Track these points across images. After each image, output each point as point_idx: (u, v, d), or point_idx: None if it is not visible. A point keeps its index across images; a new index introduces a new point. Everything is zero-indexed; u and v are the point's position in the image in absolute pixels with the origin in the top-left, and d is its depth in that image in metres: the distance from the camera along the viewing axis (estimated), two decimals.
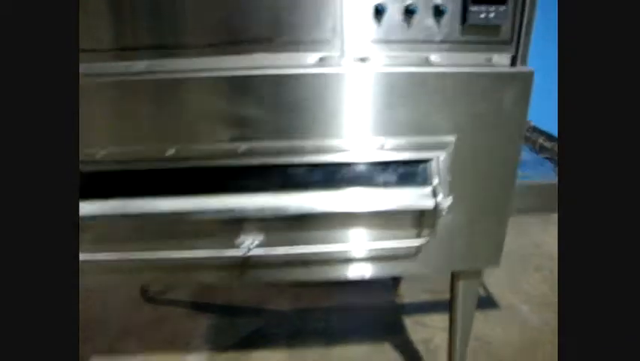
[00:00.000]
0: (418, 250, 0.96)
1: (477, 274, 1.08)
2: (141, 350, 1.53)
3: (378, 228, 0.94)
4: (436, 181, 0.89)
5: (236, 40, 0.82)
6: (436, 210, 0.88)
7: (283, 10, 0.80)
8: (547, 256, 2.00)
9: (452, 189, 0.90)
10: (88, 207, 0.88)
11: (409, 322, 1.64)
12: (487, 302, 1.70)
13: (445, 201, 0.88)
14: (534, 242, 2.12)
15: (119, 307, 1.75)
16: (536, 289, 1.79)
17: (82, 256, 0.90)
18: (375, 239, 0.94)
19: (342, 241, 0.94)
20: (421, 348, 1.51)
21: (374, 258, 0.97)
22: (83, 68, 0.81)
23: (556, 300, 1.64)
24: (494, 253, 1.00)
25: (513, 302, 1.71)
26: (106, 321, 1.68)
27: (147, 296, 1.80)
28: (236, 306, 1.75)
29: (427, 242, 0.94)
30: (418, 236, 0.94)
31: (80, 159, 0.83)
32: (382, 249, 0.94)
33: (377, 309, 1.72)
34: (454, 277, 1.09)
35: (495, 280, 1.81)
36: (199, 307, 1.75)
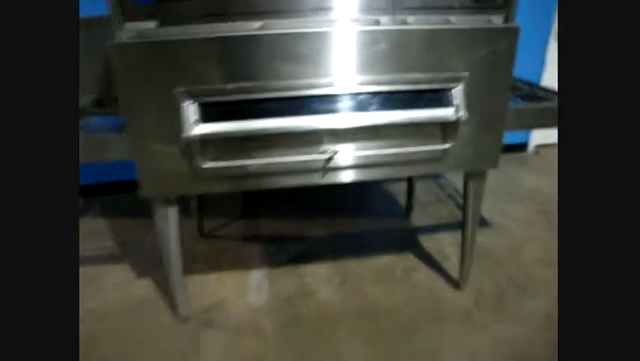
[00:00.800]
0: (444, 152, 1.38)
1: (482, 174, 1.51)
2: (212, 270, 1.90)
3: (419, 137, 1.35)
4: (456, 102, 1.31)
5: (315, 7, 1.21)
6: (457, 122, 1.31)
7: None
8: (527, 190, 2.48)
9: (466, 109, 1.32)
10: (208, 128, 1.24)
11: (422, 239, 2.07)
12: (481, 223, 2.15)
13: (463, 115, 1.30)
14: (514, 179, 2.60)
15: (187, 240, 2.10)
16: (520, 214, 2.25)
17: (205, 165, 1.27)
18: (418, 145, 1.35)
19: (395, 147, 1.35)
20: (435, 255, 1.95)
21: (415, 160, 1.38)
22: (191, 28, 1.16)
23: (536, 220, 2.11)
24: (494, 157, 1.44)
25: (503, 222, 2.17)
26: (193, 248, 2.03)
27: (202, 233, 2.16)
28: (280, 236, 2.15)
29: (451, 147, 1.35)
30: (444, 143, 1.36)
31: (200, 92, 1.18)
32: (422, 152, 1.36)
33: (395, 231, 2.15)
34: (467, 177, 1.52)
35: (487, 208, 2.26)
36: (249, 239, 2.14)
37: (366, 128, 1.30)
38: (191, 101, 1.22)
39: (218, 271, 1.89)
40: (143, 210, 2.40)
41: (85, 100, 1.73)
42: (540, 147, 3.07)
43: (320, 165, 1.34)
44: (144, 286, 1.81)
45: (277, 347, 1.49)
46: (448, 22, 1.27)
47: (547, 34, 2.77)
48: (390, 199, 2.47)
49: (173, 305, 1.67)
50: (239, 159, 1.30)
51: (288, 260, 1.95)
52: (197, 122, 1.23)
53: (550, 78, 2.77)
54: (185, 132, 1.21)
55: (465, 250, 1.65)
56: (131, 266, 1.93)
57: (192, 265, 1.92)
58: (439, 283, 1.78)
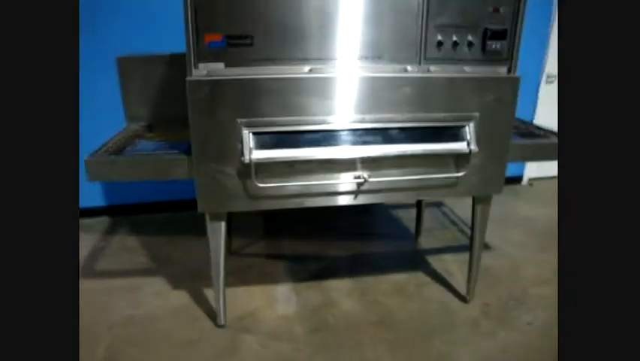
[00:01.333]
0: (457, 180, 1.62)
1: (489, 199, 1.76)
2: (242, 284, 2.08)
3: (436, 166, 1.60)
4: (469, 137, 1.56)
5: (370, 55, 1.47)
6: (469, 154, 1.56)
7: (392, 41, 1.47)
8: (522, 218, 2.74)
9: (476, 143, 1.57)
10: (263, 154, 1.47)
11: (430, 259, 2.29)
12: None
13: (474, 148, 1.55)
14: (510, 209, 2.86)
15: None
16: (517, 238, 2.50)
17: (259, 184, 1.49)
18: (435, 173, 1.60)
19: (416, 175, 1.59)
20: (442, 273, 2.16)
21: (433, 186, 1.63)
22: (252, 70, 1.41)
23: (531, 244, 2.35)
24: (499, 184, 1.69)
25: (501, 245, 2.41)
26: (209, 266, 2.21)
27: (230, 251, 2.35)
28: (301, 255, 2.34)
29: (463, 175, 1.60)
30: (458, 171, 1.61)
31: (257, 123, 1.42)
32: (439, 178, 1.60)
33: (406, 252, 2.37)
34: (475, 201, 1.76)
35: (487, 233, 2.47)
36: (272, 257, 2.33)
37: (393, 157, 1.55)
38: (250, 131, 1.45)
39: (247, 284, 2.08)
40: (168, 230, 2.60)
41: (135, 126, 1.96)
42: (533, 180, 3.36)
43: (353, 187, 1.58)
44: (181, 296, 1.98)
45: (309, 350, 1.67)
46: (462, 71, 1.54)
47: (539, 78, 3.11)
48: (399, 225, 2.70)
49: (209, 312, 1.85)
50: (285, 180, 1.53)
51: (310, 276, 2.15)
52: (254, 148, 1.46)
53: (541, 117, 3.10)
54: (244, 157, 1.44)
55: (472, 266, 1.87)
56: (165, 278, 2.11)
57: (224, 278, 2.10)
58: (448, 296, 1.99)
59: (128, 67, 1.93)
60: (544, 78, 3.10)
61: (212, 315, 1.84)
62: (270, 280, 2.11)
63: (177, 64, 1.92)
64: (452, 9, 1.47)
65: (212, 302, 1.91)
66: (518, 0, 1.49)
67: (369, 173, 1.56)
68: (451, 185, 1.64)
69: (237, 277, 2.13)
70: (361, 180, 1.55)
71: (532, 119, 3.12)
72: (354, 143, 1.53)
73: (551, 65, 3.08)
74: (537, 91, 3.14)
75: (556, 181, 3.37)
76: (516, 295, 2.01)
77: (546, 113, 3.12)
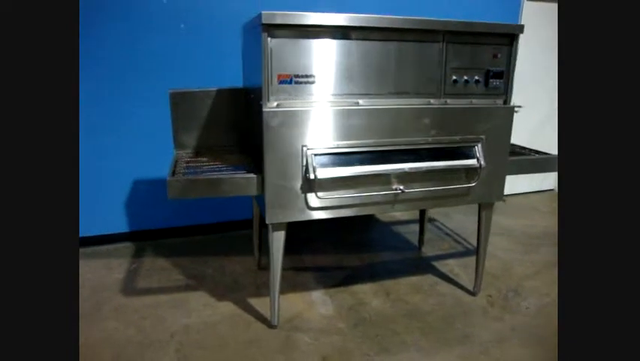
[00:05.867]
0: (468, 190, 2.02)
1: (491, 205, 2.16)
2: (280, 292, 2.31)
3: (452, 179, 1.98)
4: (478, 154, 1.97)
5: (399, 92, 1.85)
6: (479, 168, 1.96)
7: (420, 81, 1.86)
8: (503, 228, 3.19)
9: (484, 159, 1.98)
10: (325, 172, 1.78)
11: (436, 264, 2.65)
12: (473, 252, 2.78)
13: (483, 164, 1.96)
14: (495, 221, 3.30)
15: (247, 272, 2.51)
16: (503, 245, 2.93)
17: (320, 195, 1.79)
18: (451, 185, 1.98)
19: (436, 186, 1.96)
20: (449, 274, 2.52)
21: (449, 195, 2.00)
22: (326, 99, 1.75)
23: (515, 248, 2.78)
24: (500, 193, 2.10)
25: (491, 250, 2.81)
26: (255, 278, 2.44)
27: (260, 267, 2.58)
28: (324, 266, 2.62)
29: (474, 186, 2.00)
30: (469, 183, 2.00)
31: (318, 146, 1.75)
32: (455, 189, 1.99)
33: (414, 259, 2.72)
34: (480, 208, 2.15)
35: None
36: (298, 269, 2.59)
37: (421, 172, 1.92)
38: (312, 153, 1.77)
39: (284, 293, 2.31)
40: (192, 252, 2.79)
41: (183, 153, 2.20)
42: (505, 197, 3.88)
43: (392, 198, 1.92)
44: (228, 306, 2.19)
45: (357, 340, 1.94)
46: (471, 103, 1.96)
47: None
48: (401, 238, 3.06)
49: (259, 317, 2.07)
50: (339, 193, 1.84)
51: (337, 283, 2.43)
52: (317, 167, 1.77)
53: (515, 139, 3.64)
54: (309, 174, 1.74)
55: (479, 262, 2.25)
56: (208, 292, 2.30)
57: (261, 290, 2.33)
58: (458, 292, 2.35)
59: (178, 100, 2.19)
60: None
61: (262, 319, 2.07)
62: (303, 289, 2.37)
63: (221, 98, 2.24)
64: (464, 56, 1.90)
65: (259, 309, 2.14)
66: (511, 49, 1.95)
67: (404, 185, 1.91)
68: (463, 194, 2.03)
69: None
70: (398, 192, 1.90)
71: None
72: (393, 161, 1.88)
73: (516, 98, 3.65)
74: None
75: (525, 197, 3.91)
76: (512, 287, 2.40)
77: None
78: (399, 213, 3.33)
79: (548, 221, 3.34)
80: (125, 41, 2.58)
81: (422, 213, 2.78)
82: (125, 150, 2.72)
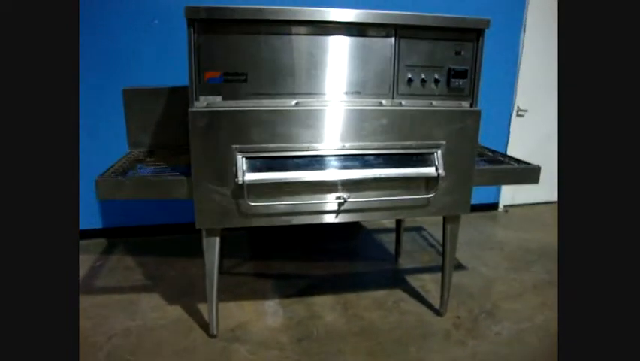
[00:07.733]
0: (427, 201, 1.82)
1: (457, 218, 1.95)
2: (232, 299, 2.23)
3: (409, 188, 1.79)
4: (437, 163, 1.77)
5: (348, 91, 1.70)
6: (437, 178, 1.76)
7: (368, 80, 1.69)
8: (496, 241, 2.93)
9: (444, 168, 1.78)
10: (255, 176, 1.66)
11: (408, 278, 2.46)
12: (458, 266, 2.56)
13: (442, 173, 1.76)
14: (485, 233, 3.05)
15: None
16: (490, 260, 2.69)
17: (250, 203, 1.67)
18: (408, 194, 1.80)
19: (390, 196, 1.78)
20: (419, 290, 2.33)
21: (406, 206, 1.82)
22: (246, 102, 1.62)
23: (503, 265, 2.54)
24: (466, 205, 1.89)
25: (475, 266, 2.59)
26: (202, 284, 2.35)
27: (221, 271, 2.49)
28: (287, 273, 2.50)
29: (432, 196, 1.80)
30: (428, 193, 1.81)
31: (249, 149, 1.62)
32: (411, 199, 1.80)
33: (386, 271, 2.54)
34: (445, 221, 1.95)
35: (464, 255, 2.69)
36: (260, 275, 2.48)
37: (370, 181, 1.75)
38: (243, 155, 1.65)
39: (238, 300, 2.22)
40: (162, 251, 2.74)
41: (138, 152, 2.15)
42: (508, 207, 3.58)
43: (335, 207, 1.76)
44: (176, 310, 2.11)
45: (295, 357, 1.81)
46: (431, 105, 1.77)
47: (510, 112, 3.38)
48: (381, 248, 2.87)
49: (203, 325, 1.99)
50: (274, 200, 1.71)
51: (296, 292, 2.30)
52: (247, 171, 1.65)
53: (514, 147, 3.35)
54: (237, 178, 1.63)
55: (444, 281, 2.04)
56: (161, 295, 2.24)
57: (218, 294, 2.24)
58: (424, 310, 2.15)
59: (132, 98, 2.14)
60: (514, 111, 3.37)
61: (205, 327, 1.97)
62: (259, 296, 2.26)
63: (176, 96, 2.16)
64: (420, 52, 1.71)
65: (206, 316, 2.05)
66: (477, 45, 1.74)
67: (349, 194, 1.75)
68: (423, 205, 1.84)
69: (229, 293, 2.27)
70: (341, 200, 1.74)
71: (505, 149, 3.37)
72: (336, 167, 1.73)
73: (521, 100, 3.36)
74: (509, 124, 3.40)
75: (528, 207, 3.60)
76: (487, 309, 2.18)
77: (517, 143, 3.38)
78: (387, 221, 3.13)
79: (549, 235, 3.02)
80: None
81: (398, 222, 2.59)
82: (99, 147, 2.71)
